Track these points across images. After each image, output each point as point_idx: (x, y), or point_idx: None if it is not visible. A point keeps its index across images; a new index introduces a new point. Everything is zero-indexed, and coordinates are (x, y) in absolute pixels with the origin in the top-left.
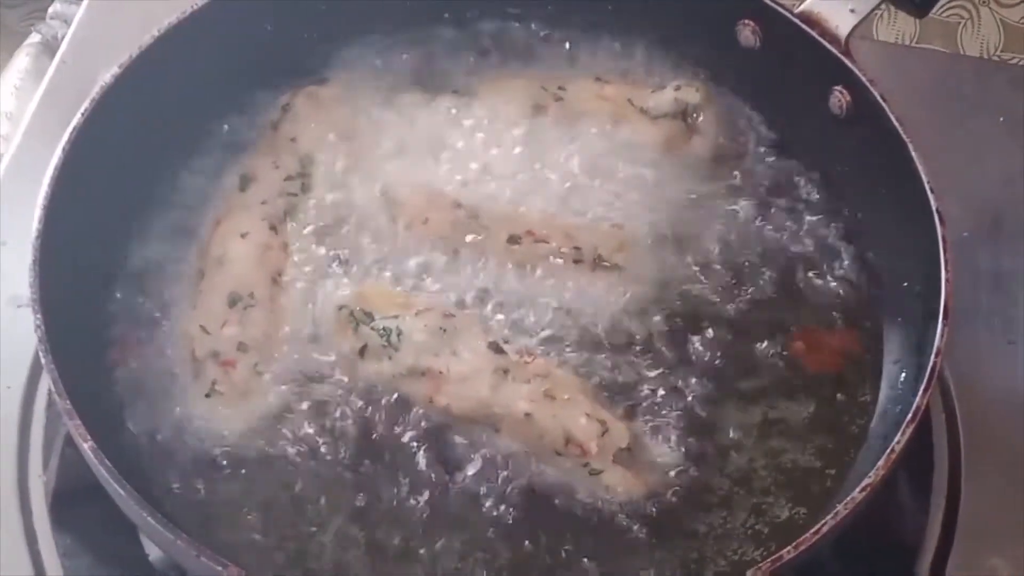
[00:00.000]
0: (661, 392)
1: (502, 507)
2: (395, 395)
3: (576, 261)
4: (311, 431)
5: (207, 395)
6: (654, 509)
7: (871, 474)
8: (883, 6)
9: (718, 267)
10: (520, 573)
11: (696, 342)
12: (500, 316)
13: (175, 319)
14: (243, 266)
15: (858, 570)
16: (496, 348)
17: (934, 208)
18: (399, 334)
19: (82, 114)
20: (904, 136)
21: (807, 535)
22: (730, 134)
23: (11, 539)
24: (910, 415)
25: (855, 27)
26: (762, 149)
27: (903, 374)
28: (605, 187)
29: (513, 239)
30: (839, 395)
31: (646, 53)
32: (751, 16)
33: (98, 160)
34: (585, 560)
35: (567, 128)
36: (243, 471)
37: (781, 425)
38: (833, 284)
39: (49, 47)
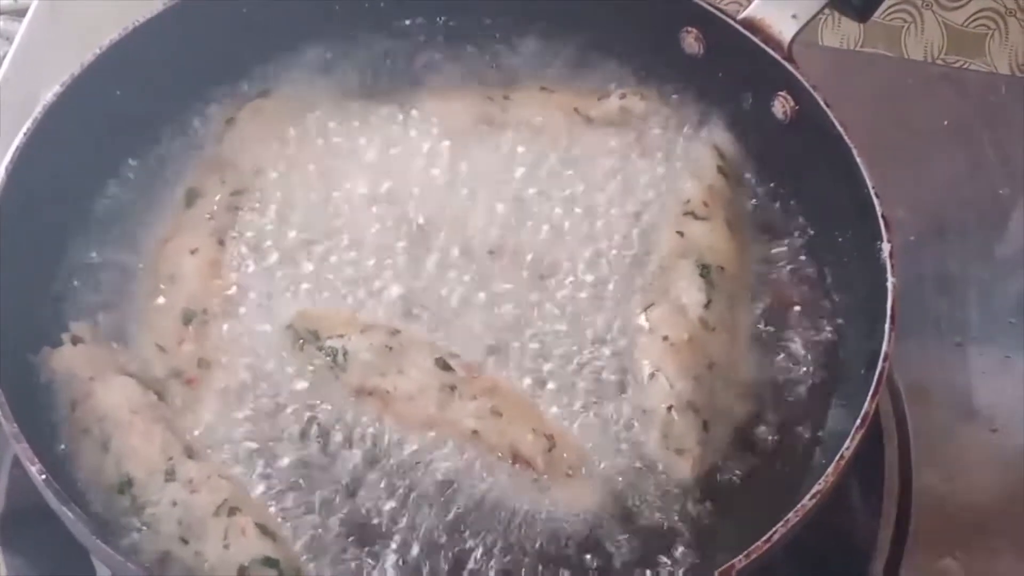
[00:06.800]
0: (612, 404)
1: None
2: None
3: (525, 272)
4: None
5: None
6: (605, 521)
7: (821, 481)
8: (827, 11)
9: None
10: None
11: (644, 350)
12: (447, 331)
13: (126, 340)
14: (195, 283)
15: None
16: (443, 365)
17: (879, 213)
18: (345, 354)
19: (24, 133)
20: (848, 141)
21: (758, 543)
22: (675, 142)
23: None
24: (859, 421)
25: (797, 33)
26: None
27: (851, 380)
28: (553, 197)
29: (463, 252)
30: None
31: (592, 62)
32: (694, 23)
33: (42, 179)
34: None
35: (513, 138)
36: None
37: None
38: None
39: None
